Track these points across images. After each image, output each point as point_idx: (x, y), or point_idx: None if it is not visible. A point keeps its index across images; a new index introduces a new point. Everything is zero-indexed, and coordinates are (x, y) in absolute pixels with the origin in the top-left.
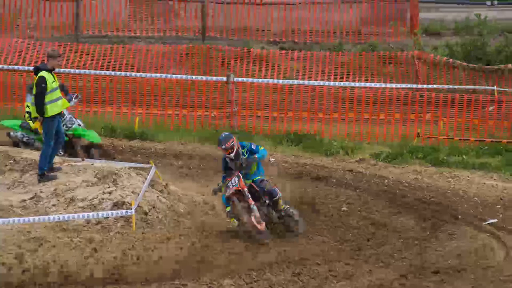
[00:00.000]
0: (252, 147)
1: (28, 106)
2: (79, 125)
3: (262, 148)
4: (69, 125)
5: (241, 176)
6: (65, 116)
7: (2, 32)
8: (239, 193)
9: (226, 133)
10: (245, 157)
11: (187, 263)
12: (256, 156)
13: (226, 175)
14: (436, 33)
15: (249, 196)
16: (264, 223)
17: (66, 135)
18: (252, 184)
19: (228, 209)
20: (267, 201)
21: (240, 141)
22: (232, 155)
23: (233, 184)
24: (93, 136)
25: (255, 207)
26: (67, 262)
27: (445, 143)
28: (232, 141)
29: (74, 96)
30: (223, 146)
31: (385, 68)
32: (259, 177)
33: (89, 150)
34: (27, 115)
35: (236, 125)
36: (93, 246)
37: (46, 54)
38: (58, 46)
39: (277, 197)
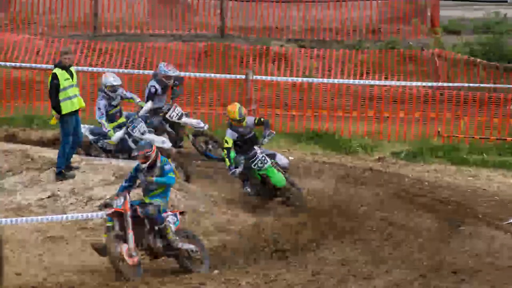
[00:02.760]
0: (166, 168)
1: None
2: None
3: (172, 175)
4: (261, 165)
5: (128, 198)
6: (257, 155)
7: (20, 29)
8: (121, 216)
9: (147, 140)
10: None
11: None
12: (153, 178)
13: (125, 187)
14: (456, 31)
15: (130, 221)
16: (137, 258)
17: (259, 174)
18: (137, 206)
19: (109, 224)
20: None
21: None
22: (145, 165)
23: (117, 204)
24: (279, 180)
25: (131, 237)
26: (85, 262)
27: (465, 141)
28: (148, 151)
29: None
30: (136, 153)
31: (405, 66)
32: (155, 200)
33: None
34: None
35: None
36: None
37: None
38: (75, 44)
39: (162, 225)
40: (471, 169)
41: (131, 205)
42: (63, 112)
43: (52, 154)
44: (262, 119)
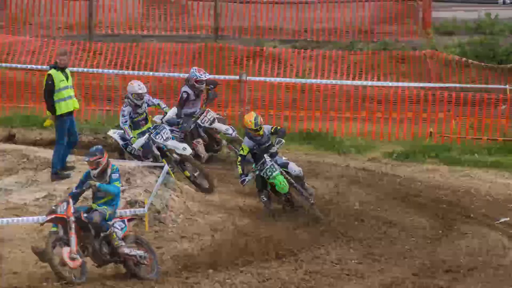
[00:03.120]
0: (113, 176)
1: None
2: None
3: (118, 185)
4: (269, 173)
5: (72, 204)
6: (266, 163)
7: (15, 30)
8: (63, 221)
9: (99, 146)
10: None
11: (200, 261)
12: (96, 184)
13: (75, 192)
14: (448, 32)
15: (73, 226)
16: (80, 261)
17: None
18: (82, 212)
19: (53, 229)
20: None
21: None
22: (95, 172)
23: (60, 210)
24: (281, 187)
25: (73, 240)
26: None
27: (457, 142)
28: (99, 158)
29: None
30: (87, 159)
31: (397, 67)
32: (103, 207)
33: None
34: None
35: None
36: None
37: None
38: (70, 45)
39: (107, 231)
40: (463, 169)
41: (76, 211)
42: (58, 113)
43: (48, 154)
44: (278, 128)
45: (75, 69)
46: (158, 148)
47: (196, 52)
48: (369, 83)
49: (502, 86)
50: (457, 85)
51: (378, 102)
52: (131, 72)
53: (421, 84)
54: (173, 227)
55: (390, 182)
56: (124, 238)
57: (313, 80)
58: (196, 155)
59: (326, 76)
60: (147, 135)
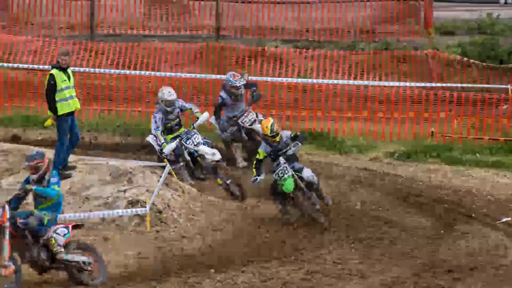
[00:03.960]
0: (52, 180)
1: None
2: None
3: (56, 188)
4: (281, 175)
5: (8, 209)
6: (280, 164)
7: (17, 30)
8: None
9: (40, 150)
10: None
11: (201, 261)
12: (33, 187)
13: (15, 198)
14: (450, 32)
15: (7, 233)
16: (13, 268)
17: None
18: (18, 218)
19: None
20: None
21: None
22: (35, 176)
23: None
24: (286, 187)
25: (6, 248)
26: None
27: (459, 141)
28: (39, 162)
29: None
30: (27, 163)
31: (399, 67)
32: (43, 212)
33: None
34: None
35: None
36: (108, 245)
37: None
38: (72, 45)
39: (45, 237)
40: (464, 169)
41: (12, 217)
42: (59, 113)
43: (49, 154)
44: (297, 134)
45: (76, 69)
46: (190, 154)
47: (198, 52)
48: (371, 83)
49: (504, 86)
50: (459, 85)
51: (379, 102)
52: (132, 72)
53: (423, 84)
54: (174, 227)
55: (391, 182)
56: (66, 244)
57: (315, 80)
58: (232, 159)
59: (327, 76)
60: (177, 140)
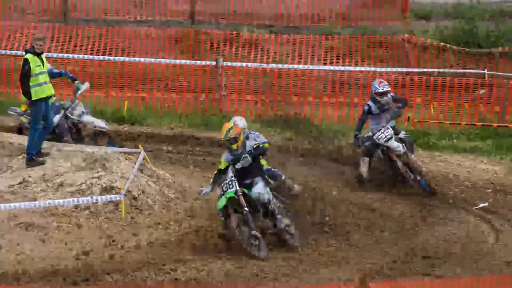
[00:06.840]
0: None
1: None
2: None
3: None
4: (225, 189)
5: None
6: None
7: None
8: None
9: None
10: None
11: (177, 248)
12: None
13: None
14: (427, 17)
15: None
16: None
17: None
18: None
19: None
20: None
21: None
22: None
23: None
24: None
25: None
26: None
27: (436, 127)
28: None
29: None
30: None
31: (375, 52)
32: None
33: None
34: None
35: (225, 109)
36: (82, 232)
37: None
38: (46, 30)
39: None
40: (441, 154)
41: None
42: (33, 98)
43: (22, 140)
44: (260, 146)
45: (50, 54)
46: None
47: (173, 37)
48: (347, 68)
49: (480, 71)
50: (435, 69)
51: (356, 87)
52: (106, 57)
53: (399, 69)
54: (149, 213)
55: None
56: None
57: (290, 65)
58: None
59: (303, 61)
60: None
